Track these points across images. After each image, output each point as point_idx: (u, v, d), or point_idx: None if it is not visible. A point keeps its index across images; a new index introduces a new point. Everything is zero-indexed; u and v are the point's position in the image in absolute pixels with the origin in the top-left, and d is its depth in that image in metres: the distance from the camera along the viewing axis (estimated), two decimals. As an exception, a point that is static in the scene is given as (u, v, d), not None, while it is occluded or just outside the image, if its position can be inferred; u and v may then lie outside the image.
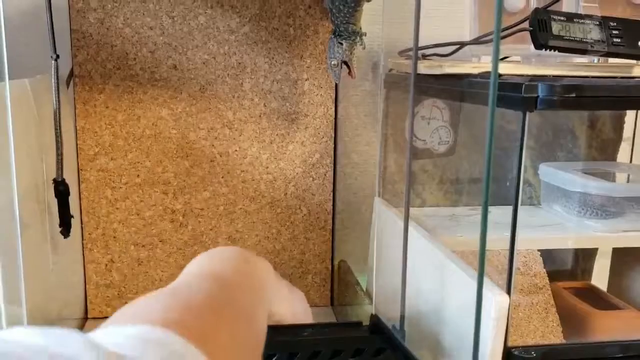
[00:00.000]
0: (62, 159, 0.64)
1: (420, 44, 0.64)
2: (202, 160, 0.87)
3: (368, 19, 0.77)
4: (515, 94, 0.50)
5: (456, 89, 0.62)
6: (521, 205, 0.57)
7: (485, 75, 0.57)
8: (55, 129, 0.63)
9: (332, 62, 0.76)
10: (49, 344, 0.23)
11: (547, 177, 0.88)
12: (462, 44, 0.66)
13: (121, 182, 0.86)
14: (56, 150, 0.63)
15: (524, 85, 0.49)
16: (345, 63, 0.77)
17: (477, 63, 0.73)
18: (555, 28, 0.58)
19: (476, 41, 0.63)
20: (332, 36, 0.76)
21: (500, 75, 0.57)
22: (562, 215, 0.87)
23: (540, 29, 0.58)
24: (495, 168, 0.42)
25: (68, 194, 0.66)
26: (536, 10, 0.59)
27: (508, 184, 0.75)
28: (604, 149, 0.96)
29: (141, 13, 0.82)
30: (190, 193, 0.88)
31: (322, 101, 0.89)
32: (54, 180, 0.65)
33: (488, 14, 0.80)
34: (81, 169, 0.84)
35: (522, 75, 0.56)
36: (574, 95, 0.49)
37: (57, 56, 0.62)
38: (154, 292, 0.33)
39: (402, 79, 0.79)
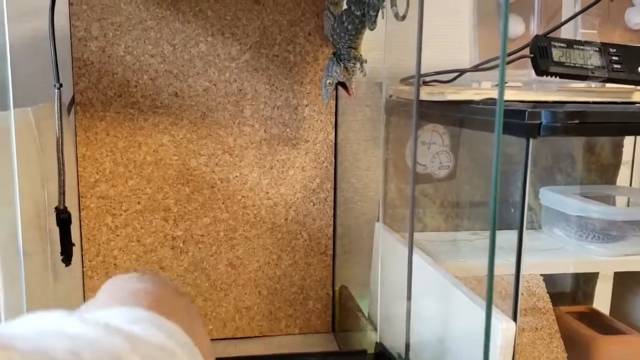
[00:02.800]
0: (64, 187, 0.63)
1: (421, 69, 0.65)
2: (202, 186, 0.87)
3: (369, 45, 0.78)
4: (518, 121, 0.50)
5: (458, 116, 0.63)
6: (522, 229, 0.57)
7: (487, 101, 0.58)
8: (58, 158, 0.63)
9: (327, 81, 0.76)
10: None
11: (548, 201, 0.88)
12: (462, 72, 0.67)
13: (121, 209, 0.85)
14: (58, 178, 0.63)
15: (527, 112, 0.49)
16: (342, 84, 0.77)
17: (478, 88, 0.74)
18: (556, 55, 0.59)
19: (476, 68, 0.64)
20: (333, 56, 0.77)
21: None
22: (563, 239, 0.87)
23: (541, 56, 0.58)
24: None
25: (70, 222, 0.66)
26: (536, 37, 0.60)
27: (512, 210, 0.75)
28: (603, 173, 0.97)
29: (142, 41, 0.82)
30: (190, 219, 0.87)
31: (322, 127, 0.90)
32: (56, 209, 0.65)
33: (488, 40, 0.81)
34: (82, 196, 0.84)
35: (524, 102, 0.56)
36: (576, 121, 0.49)
37: (60, 85, 0.62)
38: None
39: (402, 104, 0.80)
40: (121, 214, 0.85)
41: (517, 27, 0.73)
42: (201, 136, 0.86)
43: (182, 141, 0.86)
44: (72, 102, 0.82)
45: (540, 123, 0.49)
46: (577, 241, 0.86)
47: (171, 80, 0.84)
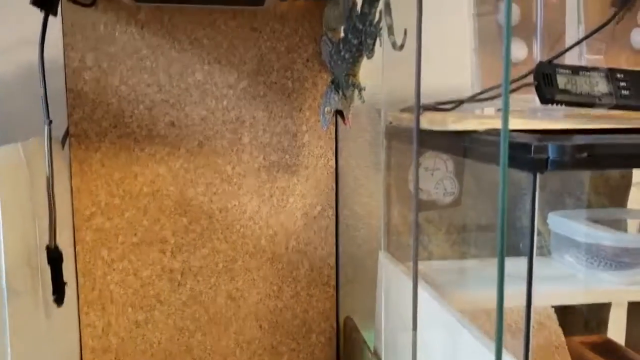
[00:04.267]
0: (55, 225, 0.61)
1: (420, 90, 0.62)
2: (200, 216, 0.85)
3: (368, 71, 0.76)
4: (524, 155, 0.48)
5: (461, 145, 0.60)
6: (531, 255, 0.54)
7: (492, 132, 0.55)
8: (48, 196, 0.61)
9: (326, 109, 0.74)
10: None
11: (557, 227, 0.85)
12: (463, 102, 0.64)
13: (118, 242, 0.83)
14: (49, 216, 0.61)
15: (533, 146, 0.47)
16: (340, 112, 0.75)
17: (481, 115, 0.72)
18: (561, 82, 0.57)
19: (477, 99, 0.62)
20: (331, 84, 0.75)
21: (506, 131, 0.55)
22: (574, 267, 0.84)
23: (546, 84, 0.56)
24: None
25: (61, 261, 0.64)
26: (540, 64, 0.57)
27: (520, 239, 0.72)
28: (613, 195, 0.94)
29: (138, 71, 0.81)
30: (188, 251, 0.85)
31: (322, 152, 0.88)
32: (47, 247, 0.63)
33: (490, 62, 0.79)
34: (77, 230, 0.82)
35: (529, 131, 0.54)
36: (586, 154, 0.47)
37: (50, 121, 0.60)
38: None
39: (402, 130, 0.77)
40: (117, 247, 0.83)
41: (519, 51, 0.71)
42: (198, 165, 0.84)
43: (179, 171, 0.84)
44: (67, 134, 0.80)
45: (548, 157, 0.47)
46: (589, 269, 0.83)
47: (167, 109, 0.83)
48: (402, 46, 0.56)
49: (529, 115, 0.63)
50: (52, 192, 0.61)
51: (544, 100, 0.56)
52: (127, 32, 0.80)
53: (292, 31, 0.83)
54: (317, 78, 0.85)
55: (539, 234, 0.92)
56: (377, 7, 0.64)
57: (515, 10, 0.78)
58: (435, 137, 0.65)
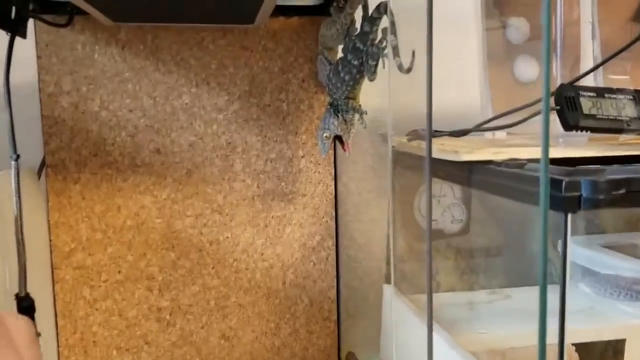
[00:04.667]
0: (25, 271, 0.55)
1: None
2: (189, 250, 0.79)
3: (372, 93, 0.70)
4: (554, 192, 0.42)
5: (476, 177, 0.55)
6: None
7: (509, 163, 0.50)
8: (17, 238, 0.54)
9: (324, 134, 0.69)
10: None
11: (572, 255, 0.80)
12: (472, 131, 0.59)
13: (100, 280, 0.77)
14: (18, 262, 0.55)
15: (564, 183, 0.41)
16: (339, 138, 0.70)
17: (493, 140, 0.66)
18: (585, 106, 0.51)
19: (490, 127, 0.56)
20: (329, 107, 0.69)
21: (523, 163, 0.50)
22: (591, 297, 0.78)
23: (569, 108, 0.51)
24: (512, 245, 0.35)
25: (33, 310, 0.57)
26: (562, 86, 0.52)
27: (534, 273, 0.67)
28: (628, 219, 0.89)
29: (119, 95, 0.75)
30: (177, 288, 0.79)
31: (320, 178, 0.82)
32: (16, 296, 0.56)
33: (499, 79, 0.74)
34: (56, 268, 0.75)
35: (553, 161, 0.48)
36: (623, 191, 0.41)
37: (18, 156, 0.54)
38: None
39: (408, 156, 0.72)
40: (100, 286, 0.77)
41: (531, 70, 0.66)
42: (187, 195, 0.78)
43: (165, 202, 0.78)
44: (43, 164, 0.74)
45: (580, 195, 0.41)
46: (607, 299, 0.77)
47: (152, 135, 0.77)
48: (409, 69, 0.50)
49: (551, 142, 0.57)
50: (22, 235, 0.54)
51: (568, 127, 0.50)
52: (107, 53, 0.74)
53: (286, 50, 0.78)
54: (313, 100, 0.80)
55: (549, 260, 0.86)
56: (379, 24, 0.58)
57: (525, 25, 0.73)
58: (445, 165, 0.59)
